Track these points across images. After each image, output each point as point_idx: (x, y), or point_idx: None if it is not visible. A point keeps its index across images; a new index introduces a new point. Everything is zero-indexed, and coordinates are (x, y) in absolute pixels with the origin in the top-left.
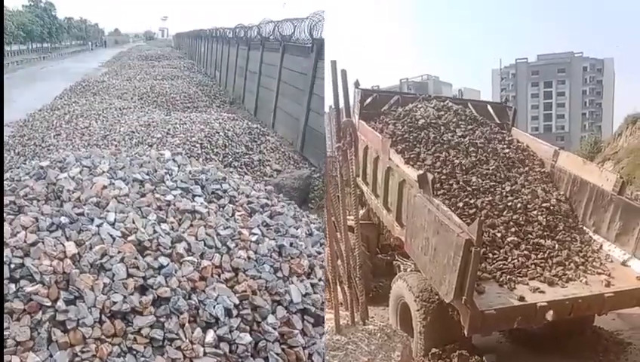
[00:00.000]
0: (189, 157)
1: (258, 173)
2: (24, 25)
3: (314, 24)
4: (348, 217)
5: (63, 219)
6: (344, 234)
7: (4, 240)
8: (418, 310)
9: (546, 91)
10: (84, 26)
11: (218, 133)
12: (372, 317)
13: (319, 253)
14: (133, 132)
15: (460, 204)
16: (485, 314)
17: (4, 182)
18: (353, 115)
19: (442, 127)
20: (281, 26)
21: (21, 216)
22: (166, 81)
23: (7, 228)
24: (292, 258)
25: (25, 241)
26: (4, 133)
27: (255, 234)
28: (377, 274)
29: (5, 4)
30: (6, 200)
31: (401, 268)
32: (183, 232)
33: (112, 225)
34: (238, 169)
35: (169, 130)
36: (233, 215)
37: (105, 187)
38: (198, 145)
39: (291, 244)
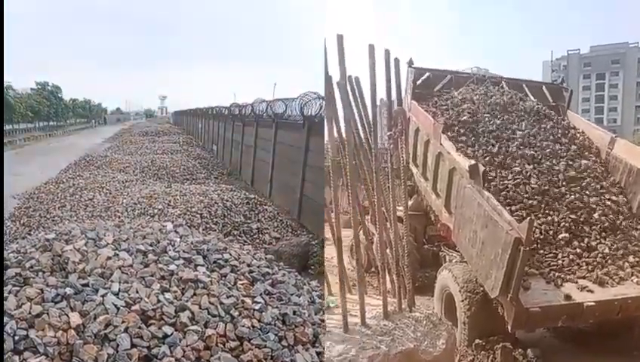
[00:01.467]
0: (189, 228)
1: (257, 240)
2: (32, 107)
3: (304, 103)
4: (397, 207)
5: (68, 290)
6: (393, 223)
7: (9, 312)
8: (463, 300)
9: (598, 83)
10: (88, 106)
11: (217, 203)
12: (418, 306)
13: (322, 320)
14: (136, 203)
15: (514, 199)
16: (530, 312)
17: (11, 254)
18: (405, 96)
19: (498, 119)
20: (273, 105)
21: (27, 288)
22: (166, 155)
23: (12, 299)
24: (296, 326)
25: (30, 313)
26: (12, 205)
27: (258, 302)
28: (424, 265)
29: (15, 86)
30: (12, 272)
31: (446, 259)
32: (187, 301)
33: (117, 295)
34: (238, 237)
35: (170, 201)
36: (235, 284)
37: (109, 258)
38: (198, 215)
39: (294, 312)
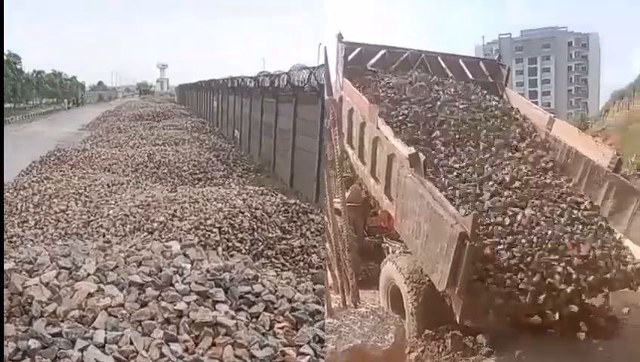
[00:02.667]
0: (204, 249)
1: (301, 264)
2: None
3: None
4: (335, 200)
5: (33, 343)
6: (331, 217)
7: None
8: (409, 292)
9: (530, 67)
10: (58, 81)
11: (242, 212)
12: (363, 301)
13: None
14: (127, 215)
15: (455, 186)
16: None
17: None
18: (337, 74)
19: (435, 99)
20: (318, 73)
21: None
22: (168, 146)
23: None
24: None
25: None
26: None
27: (306, 354)
28: (366, 258)
29: None
30: None
31: (389, 251)
32: (203, 354)
33: (102, 347)
34: (273, 260)
35: (175, 211)
36: (272, 328)
37: (91, 295)
38: (215, 229)
39: None
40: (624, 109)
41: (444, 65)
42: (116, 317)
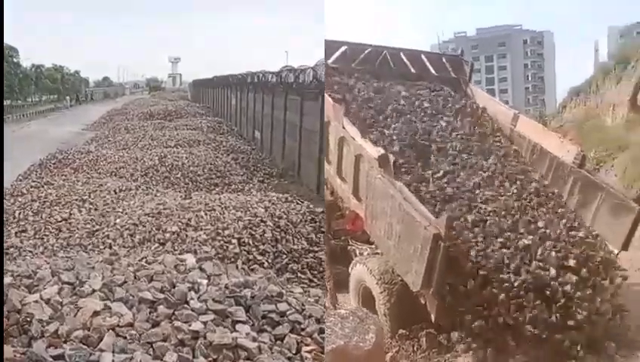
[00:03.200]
0: (222, 262)
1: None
2: None
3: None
4: None
5: None
6: None
7: None
8: (381, 292)
9: (487, 66)
10: (60, 76)
11: (264, 221)
12: (340, 303)
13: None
14: (136, 225)
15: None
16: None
17: None
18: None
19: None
20: None
21: None
22: (182, 148)
23: None
24: None
25: None
26: None
27: None
28: (333, 261)
29: None
30: None
31: (357, 253)
32: None
33: None
34: (300, 275)
35: (189, 219)
36: (299, 351)
37: (96, 313)
38: (234, 241)
39: None
40: (581, 106)
41: (406, 62)
42: (125, 338)
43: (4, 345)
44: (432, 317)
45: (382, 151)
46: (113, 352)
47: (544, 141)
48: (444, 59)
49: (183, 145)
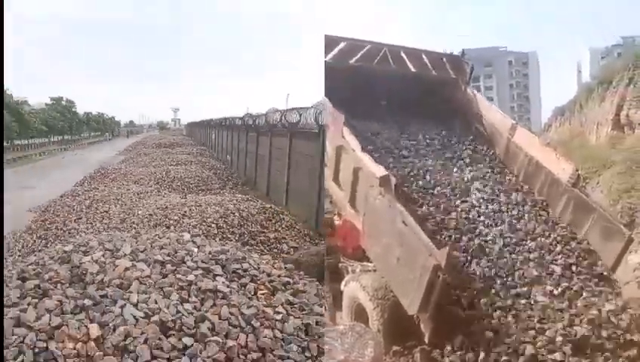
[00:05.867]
0: (207, 238)
1: (275, 250)
2: (46, 121)
3: (319, 112)
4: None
5: (87, 302)
6: None
7: (29, 324)
8: (374, 308)
9: (474, 86)
10: (102, 119)
11: (233, 213)
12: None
13: None
14: (151, 215)
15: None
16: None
17: (30, 266)
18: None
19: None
20: (287, 114)
21: (45, 300)
22: (180, 166)
23: (31, 311)
24: (319, 337)
25: (49, 324)
26: (28, 218)
27: (279, 312)
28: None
29: (30, 102)
30: (30, 284)
31: (349, 270)
32: (206, 312)
33: (135, 305)
34: (255, 247)
35: (185, 211)
36: (256, 294)
37: (127, 269)
38: (214, 225)
39: (317, 323)
40: (566, 125)
41: (406, 59)
42: (145, 284)
43: (69, 288)
44: (426, 338)
45: (384, 171)
46: (138, 293)
47: (540, 155)
48: (444, 59)
49: (181, 164)
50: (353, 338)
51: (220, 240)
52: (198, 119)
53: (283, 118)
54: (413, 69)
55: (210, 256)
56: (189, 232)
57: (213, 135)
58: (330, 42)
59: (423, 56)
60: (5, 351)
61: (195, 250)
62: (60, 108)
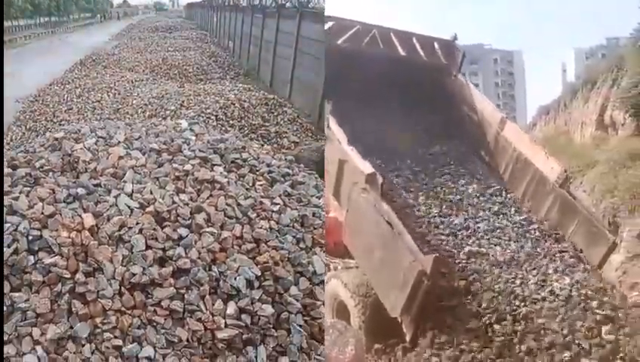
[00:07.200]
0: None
1: (275, 145)
2: None
3: None
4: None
5: (80, 191)
6: None
7: (21, 212)
8: (356, 305)
9: None
10: None
11: (233, 104)
12: None
13: None
14: (146, 104)
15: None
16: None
17: (20, 154)
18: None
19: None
20: None
21: (37, 188)
22: (178, 52)
23: (23, 200)
24: (315, 228)
25: (42, 213)
26: (15, 109)
27: (277, 204)
28: None
29: None
30: (22, 172)
31: (330, 267)
32: (202, 202)
33: (130, 196)
34: (255, 141)
35: (183, 101)
36: (254, 184)
37: (121, 157)
38: (213, 116)
39: (314, 214)
40: (550, 124)
41: (396, 42)
42: (140, 174)
43: (60, 177)
44: (407, 338)
45: (371, 168)
46: (132, 183)
47: (530, 152)
48: (435, 44)
49: (179, 50)
50: (334, 335)
51: (219, 132)
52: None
53: None
54: (402, 52)
55: (209, 144)
56: (186, 120)
57: (215, 18)
58: None
59: (414, 40)
60: None
61: (193, 138)
62: None
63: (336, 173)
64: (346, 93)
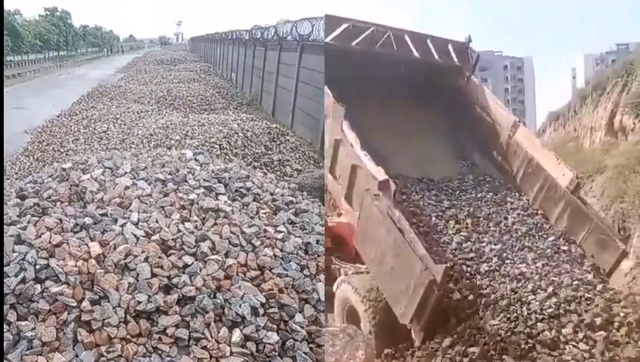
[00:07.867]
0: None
1: (278, 172)
2: (41, 34)
3: None
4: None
5: (87, 220)
6: None
7: (29, 241)
8: (366, 310)
9: None
10: (100, 33)
11: (237, 133)
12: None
13: None
14: (152, 135)
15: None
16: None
17: (28, 185)
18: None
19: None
20: (299, 25)
21: (45, 218)
22: (183, 84)
23: (31, 229)
24: (319, 255)
25: (50, 242)
26: (23, 140)
27: (281, 231)
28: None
29: (23, 13)
30: (30, 202)
31: (341, 272)
32: (207, 231)
33: (136, 224)
34: (258, 169)
35: (187, 131)
36: (258, 213)
37: (127, 187)
38: (217, 146)
39: (317, 242)
40: (560, 129)
41: (410, 44)
42: (146, 203)
43: (68, 207)
44: (417, 343)
45: (384, 175)
46: (138, 212)
47: (541, 157)
48: (449, 46)
49: (184, 81)
50: (344, 340)
51: (223, 161)
52: (203, 34)
53: (294, 29)
54: (416, 54)
55: (213, 174)
56: (191, 150)
57: (218, 50)
58: (332, 22)
59: (428, 42)
60: (6, 268)
61: (198, 168)
62: (54, 20)
63: (349, 177)
64: (359, 95)
